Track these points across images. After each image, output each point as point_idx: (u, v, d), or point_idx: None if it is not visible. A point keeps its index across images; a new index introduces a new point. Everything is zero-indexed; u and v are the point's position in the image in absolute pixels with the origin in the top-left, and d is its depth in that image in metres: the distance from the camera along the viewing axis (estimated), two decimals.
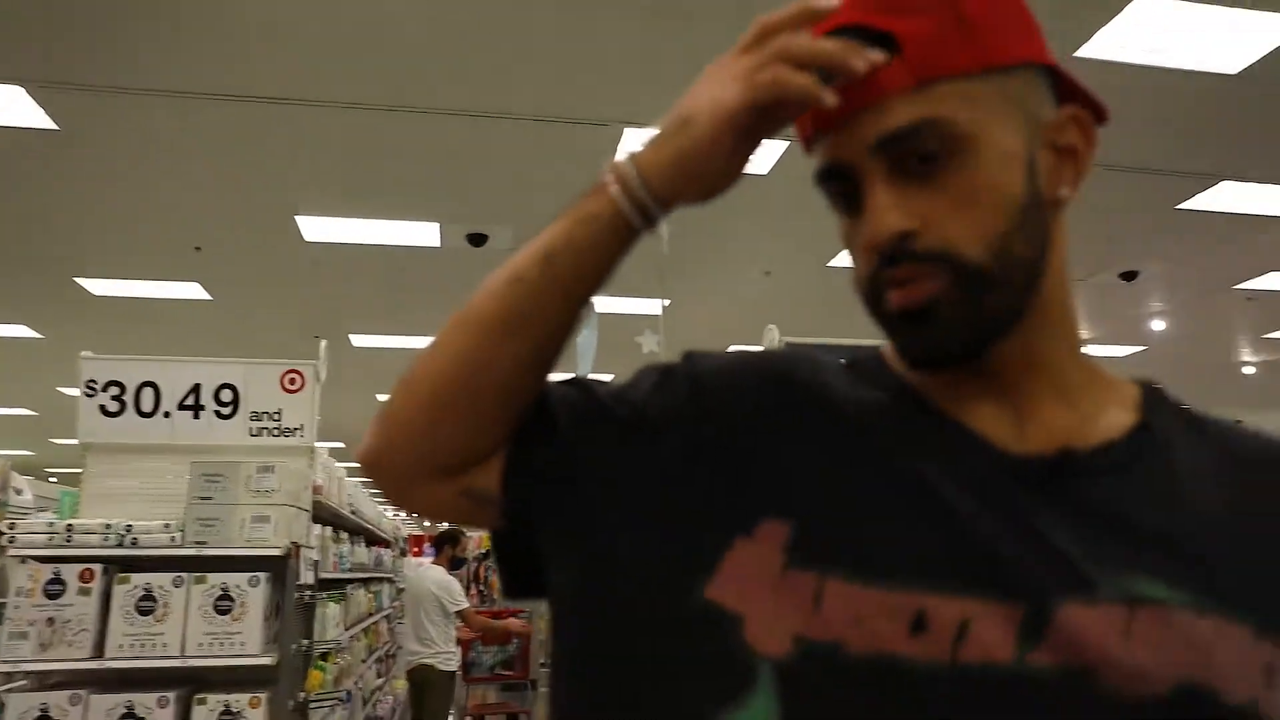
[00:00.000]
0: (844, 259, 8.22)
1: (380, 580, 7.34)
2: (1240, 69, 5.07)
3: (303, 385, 3.52)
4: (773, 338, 4.33)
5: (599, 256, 0.65)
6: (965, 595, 0.54)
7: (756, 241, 7.48)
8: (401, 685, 7.54)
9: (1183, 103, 5.43)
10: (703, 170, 0.62)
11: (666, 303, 7.98)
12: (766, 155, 5.80)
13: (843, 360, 0.71)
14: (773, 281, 8.40)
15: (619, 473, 0.66)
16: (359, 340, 10.00)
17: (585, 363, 6.83)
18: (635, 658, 0.60)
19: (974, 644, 0.53)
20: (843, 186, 0.63)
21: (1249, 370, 13.33)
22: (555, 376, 0.73)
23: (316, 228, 6.81)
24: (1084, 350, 0.68)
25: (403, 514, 14.14)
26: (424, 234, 7.09)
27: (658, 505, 0.63)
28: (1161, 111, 5.52)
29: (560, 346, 0.68)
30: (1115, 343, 11.39)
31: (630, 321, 9.21)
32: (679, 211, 0.65)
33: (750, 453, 0.63)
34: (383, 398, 0.73)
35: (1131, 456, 0.62)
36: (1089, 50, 4.84)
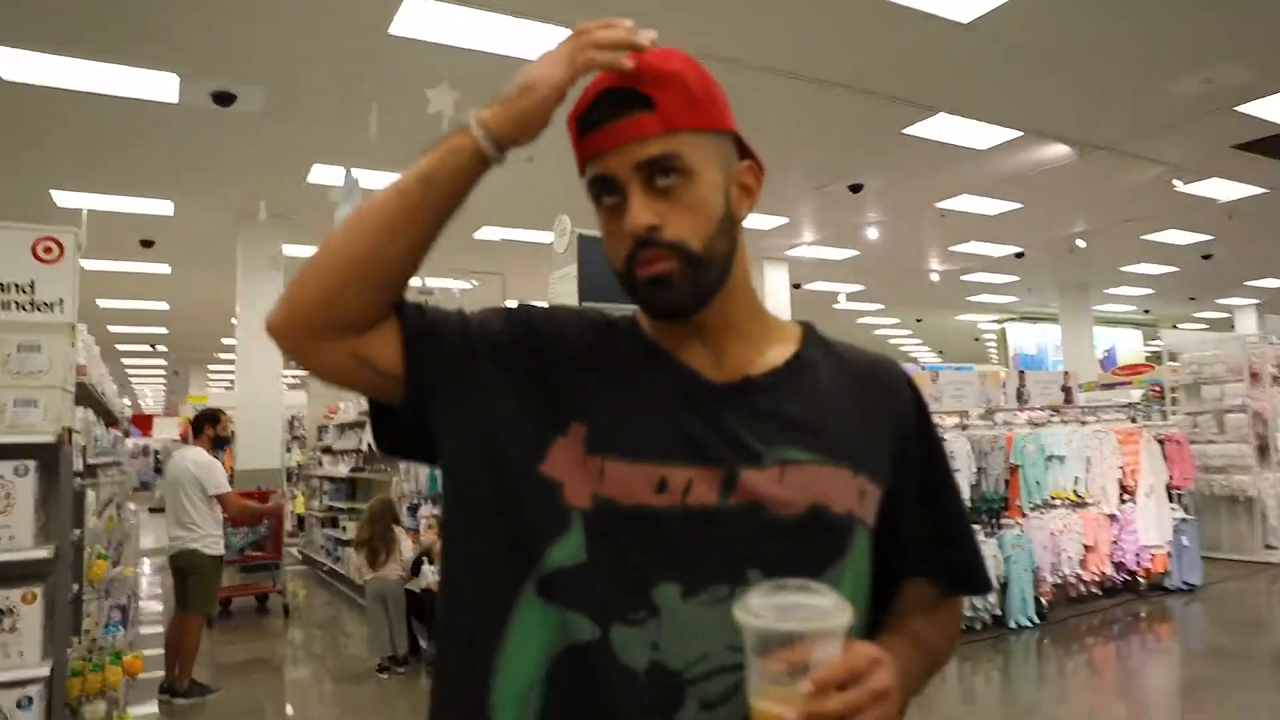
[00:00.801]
0: None
1: (114, 465, 6.79)
2: (971, 19, 5.79)
3: (61, 255, 3.13)
4: (564, 227, 4.49)
5: (462, 179, 0.92)
6: (687, 465, 0.89)
7: None
8: (131, 572, 7.14)
9: (918, 40, 6.10)
10: (536, 121, 0.92)
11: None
12: (548, 42, 5.78)
13: (611, 319, 1.04)
14: (537, 168, 8.44)
15: (486, 376, 0.95)
16: (66, 199, 8.78)
17: None
18: (495, 503, 0.92)
19: (694, 495, 0.88)
20: (608, 191, 0.93)
21: (934, 277, 15.47)
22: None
23: (18, 64, 5.82)
24: (761, 308, 1.03)
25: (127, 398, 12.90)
26: (159, 86, 6.31)
27: (511, 407, 0.94)
28: (898, 45, 6.18)
29: (431, 243, 0.94)
30: (837, 245, 12.72)
31: None
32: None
33: (566, 377, 0.95)
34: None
35: (787, 377, 0.97)
36: None
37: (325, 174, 8.23)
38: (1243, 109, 7.77)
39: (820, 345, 1.03)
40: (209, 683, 5.59)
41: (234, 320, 10.23)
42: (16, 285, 3.15)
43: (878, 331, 22.65)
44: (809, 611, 0.76)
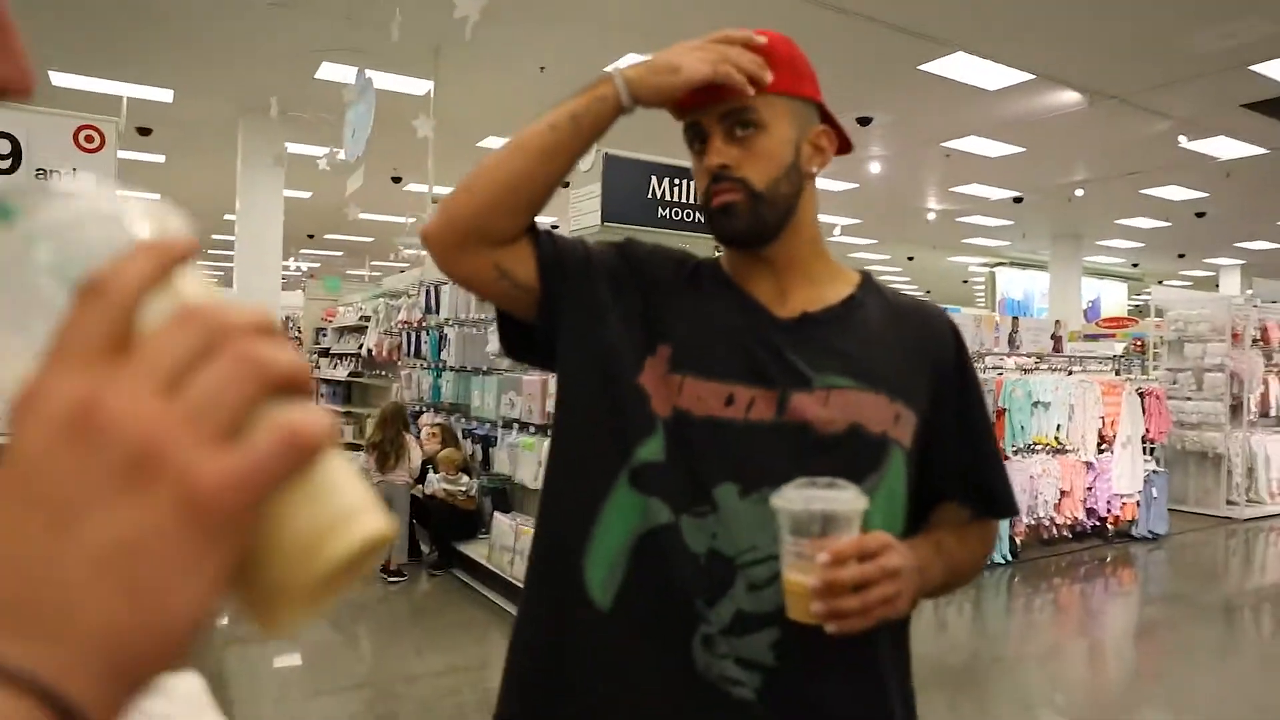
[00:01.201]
0: (624, 61, 8.23)
1: None
2: None
3: (102, 144, 3.13)
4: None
5: (602, 122, 1.07)
6: (750, 386, 1.04)
7: (534, 35, 7.31)
8: None
9: None
10: (670, 97, 1.06)
11: (431, 85, 7.67)
12: None
13: (698, 259, 1.20)
14: (548, 77, 8.30)
15: (603, 299, 1.11)
16: (63, 81, 8.56)
17: (361, 134, 6.52)
18: (601, 406, 1.08)
19: (755, 410, 1.04)
20: (698, 138, 1.09)
21: (930, 216, 15.49)
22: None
23: None
24: (825, 253, 1.18)
25: None
26: None
27: (619, 326, 1.09)
28: None
29: (567, 173, 1.10)
30: (836, 179, 12.68)
31: (401, 101, 8.76)
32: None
33: (659, 305, 1.11)
34: None
35: (840, 315, 1.12)
36: None
37: (334, 72, 8.07)
38: (1257, 68, 7.76)
39: (874, 290, 1.17)
40: None
41: (230, 216, 10.12)
42: (58, 173, 3.15)
43: (870, 266, 22.66)
44: (832, 499, 0.91)
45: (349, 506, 0.32)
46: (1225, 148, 10.34)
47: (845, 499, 0.91)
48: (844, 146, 1.16)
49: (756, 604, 0.99)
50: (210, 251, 21.89)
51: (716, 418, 1.03)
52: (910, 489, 1.09)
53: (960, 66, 7.83)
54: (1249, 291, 10.11)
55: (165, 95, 8.95)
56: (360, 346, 8.44)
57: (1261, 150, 10.40)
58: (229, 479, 0.29)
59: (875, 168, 11.87)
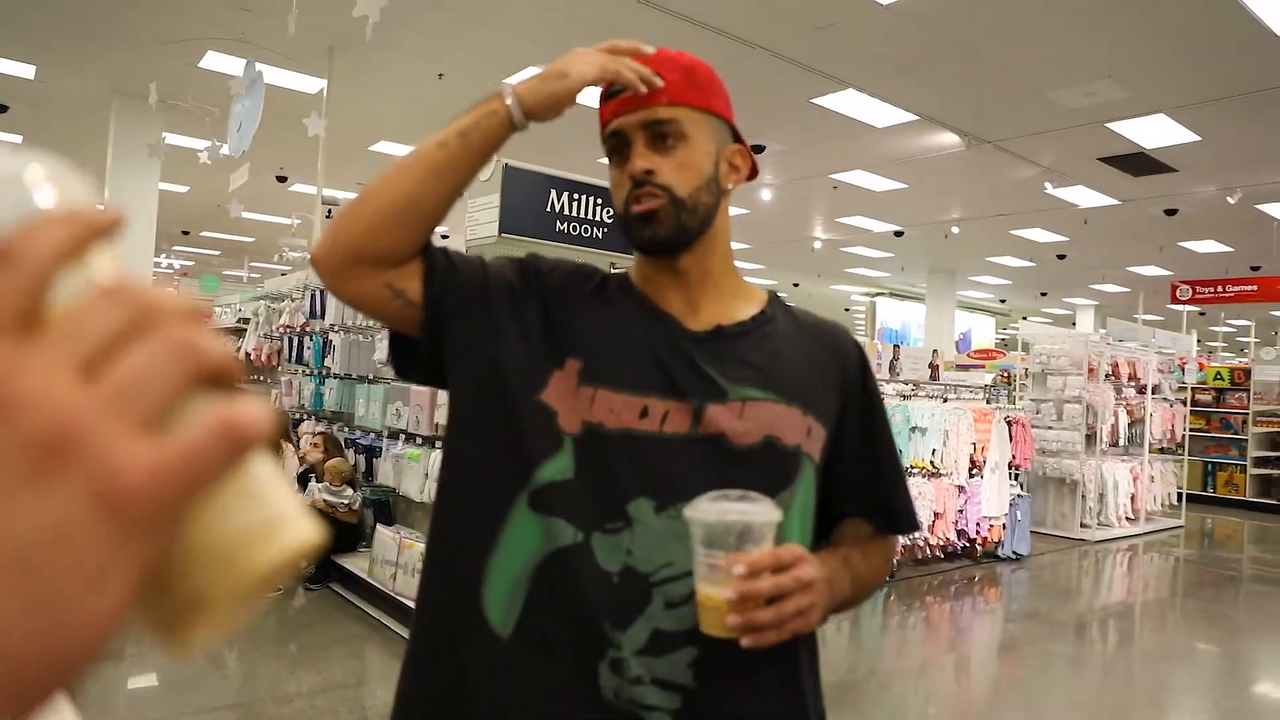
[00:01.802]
0: (521, 78, 8.19)
1: None
2: (890, 1, 5.98)
3: None
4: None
5: (493, 140, 1.06)
6: (665, 398, 1.03)
7: (434, 41, 7.20)
8: None
9: (840, 15, 6.27)
10: (558, 106, 1.06)
11: (324, 84, 7.44)
12: None
13: (605, 274, 1.20)
14: (446, 85, 8.17)
15: (499, 314, 1.08)
16: None
17: (248, 129, 6.23)
18: (499, 425, 1.04)
19: (670, 423, 1.03)
20: (619, 145, 1.09)
21: (816, 245, 16.02)
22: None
23: None
24: (735, 271, 1.18)
25: None
26: None
27: (518, 342, 1.06)
28: (819, 18, 6.33)
29: (462, 191, 1.07)
30: (731, 203, 12.94)
31: (292, 98, 8.44)
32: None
33: (566, 319, 1.09)
34: None
35: (752, 329, 1.12)
36: None
37: (221, 62, 7.71)
38: (1112, 125, 8.40)
39: (782, 308, 1.19)
40: None
41: (99, 207, 9.48)
42: None
43: None
44: (747, 511, 0.90)
45: (280, 511, 0.29)
46: (1084, 196, 11.13)
47: (760, 511, 0.91)
48: (753, 171, 1.18)
49: (674, 622, 0.97)
50: None
51: (631, 430, 1.01)
52: (818, 503, 1.10)
53: (851, 103, 8.16)
54: (1103, 330, 10.87)
55: (26, 70, 8.33)
56: (238, 350, 8.05)
57: (1115, 201, 11.24)
58: (153, 471, 0.25)
59: (766, 195, 12.21)
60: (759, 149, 9.87)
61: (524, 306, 1.09)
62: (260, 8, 6.44)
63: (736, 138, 1.16)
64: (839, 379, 1.15)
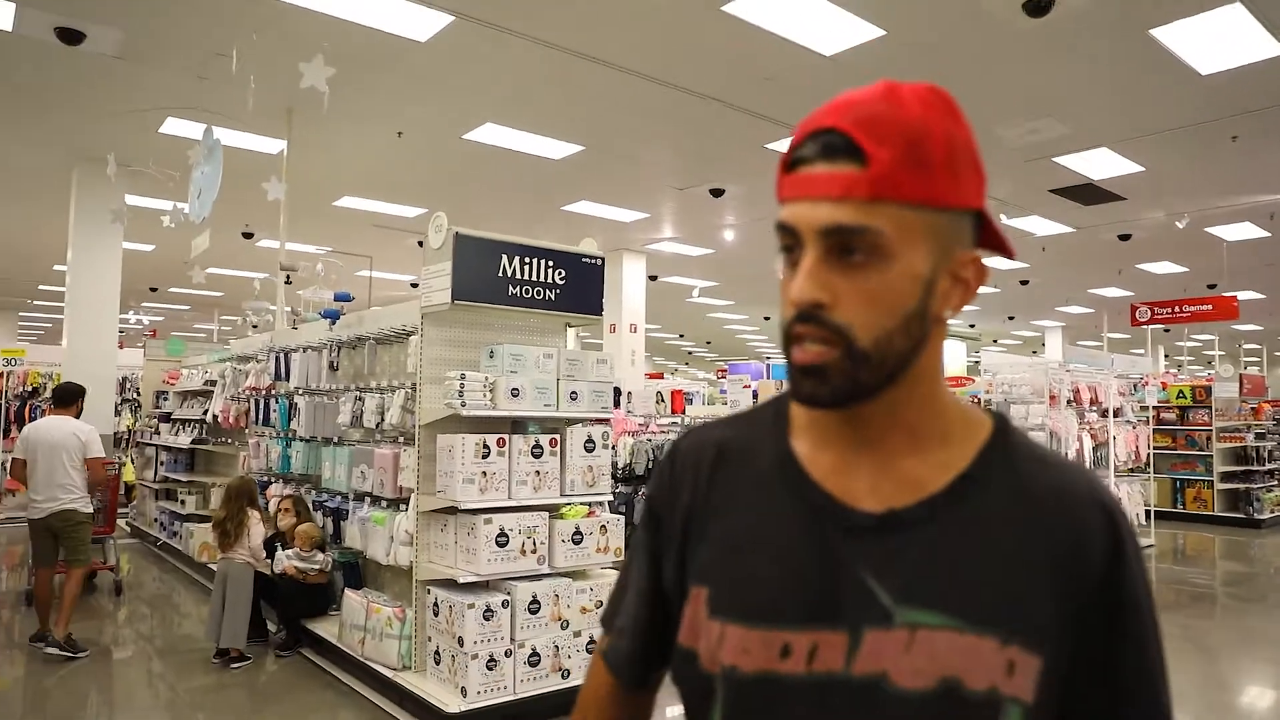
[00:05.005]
0: (480, 134, 8.42)
1: None
2: (834, 53, 6.19)
3: None
4: (440, 224, 4.54)
5: None
6: (812, 629, 0.79)
7: (391, 101, 7.33)
8: None
9: (785, 66, 6.48)
10: None
11: (284, 144, 7.54)
12: (428, 23, 5.74)
13: (753, 413, 0.95)
14: (405, 142, 8.30)
15: (657, 549, 0.95)
16: None
17: (208, 196, 6.31)
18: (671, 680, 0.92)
19: (819, 661, 0.78)
20: (790, 241, 0.78)
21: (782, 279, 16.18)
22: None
23: None
24: (945, 406, 0.84)
25: None
26: None
27: (672, 571, 0.92)
28: (765, 69, 6.53)
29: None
30: (696, 244, 13.15)
31: (252, 159, 8.53)
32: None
33: (690, 529, 0.90)
34: None
35: (943, 507, 0.80)
36: (732, 8, 5.57)
37: (180, 127, 7.80)
38: (1058, 159, 8.67)
39: (1003, 459, 0.84)
40: (79, 641, 5.64)
41: (60, 267, 9.50)
42: None
43: (728, 326, 23.45)
44: None
45: None
46: (1040, 226, 11.41)
47: None
48: (1008, 255, 0.84)
49: None
50: (36, 303, 20.36)
51: (771, 674, 0.79)
52: None
53: None
54: (1058, 361, 11.09)
55: None
56: (205, 412, 8.04)
57: (1070, 229, 11.53)
58: None
59: (729, 235, 12.40)
60: (719, 193, 10.07)
61: (660, 528, 0.95)
62: (218, 76, 6.55)
63: (981, 228, 0.81)
64: (1070, 577, 0.79)
